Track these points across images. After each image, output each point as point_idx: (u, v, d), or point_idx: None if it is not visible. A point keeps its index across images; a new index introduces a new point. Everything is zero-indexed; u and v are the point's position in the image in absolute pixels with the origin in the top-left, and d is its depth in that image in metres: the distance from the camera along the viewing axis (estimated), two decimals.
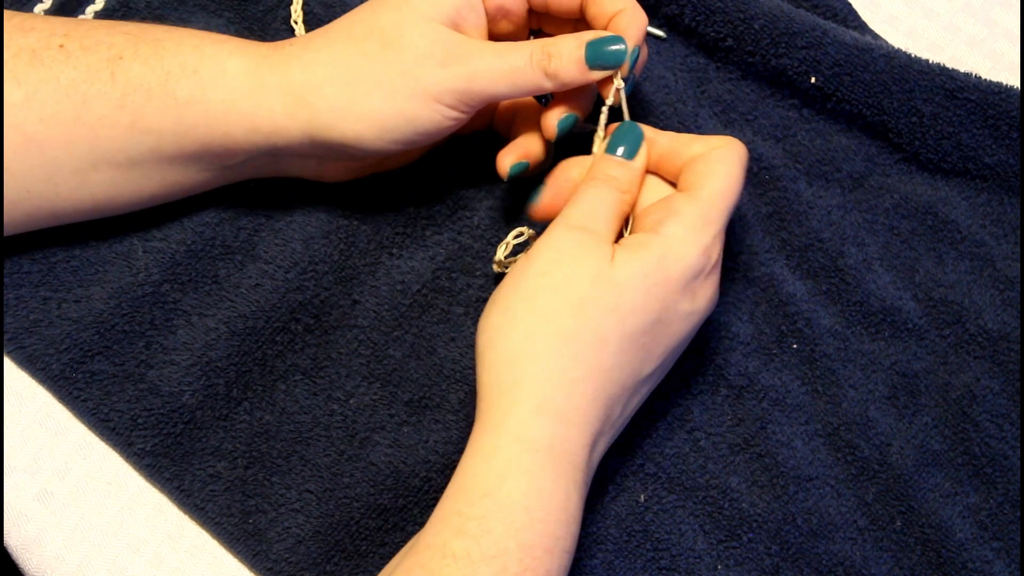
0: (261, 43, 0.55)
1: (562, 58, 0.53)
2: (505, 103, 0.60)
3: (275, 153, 0.55)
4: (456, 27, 0.54)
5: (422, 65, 0.52)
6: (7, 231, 0.56)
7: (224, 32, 0.62)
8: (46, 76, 0.52)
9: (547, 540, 0.47)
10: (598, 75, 0.54)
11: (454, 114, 0.53)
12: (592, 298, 0.49)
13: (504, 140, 0.58)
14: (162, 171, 0.55)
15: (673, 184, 0.55)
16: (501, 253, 0.58)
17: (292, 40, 0.55)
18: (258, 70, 0.53)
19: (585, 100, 0.56)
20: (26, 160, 0.53)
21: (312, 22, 0.64)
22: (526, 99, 0.59)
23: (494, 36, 0.57)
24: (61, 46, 0.53)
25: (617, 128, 0.54)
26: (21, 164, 0.53)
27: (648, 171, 0.55)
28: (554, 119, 0.55)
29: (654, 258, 0.50)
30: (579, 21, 0.57)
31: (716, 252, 0.52)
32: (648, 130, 0.55)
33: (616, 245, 0.51)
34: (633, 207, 0.54)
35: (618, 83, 0.54)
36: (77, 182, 0.54)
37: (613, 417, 0.51)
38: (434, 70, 0.52)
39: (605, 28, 0.54)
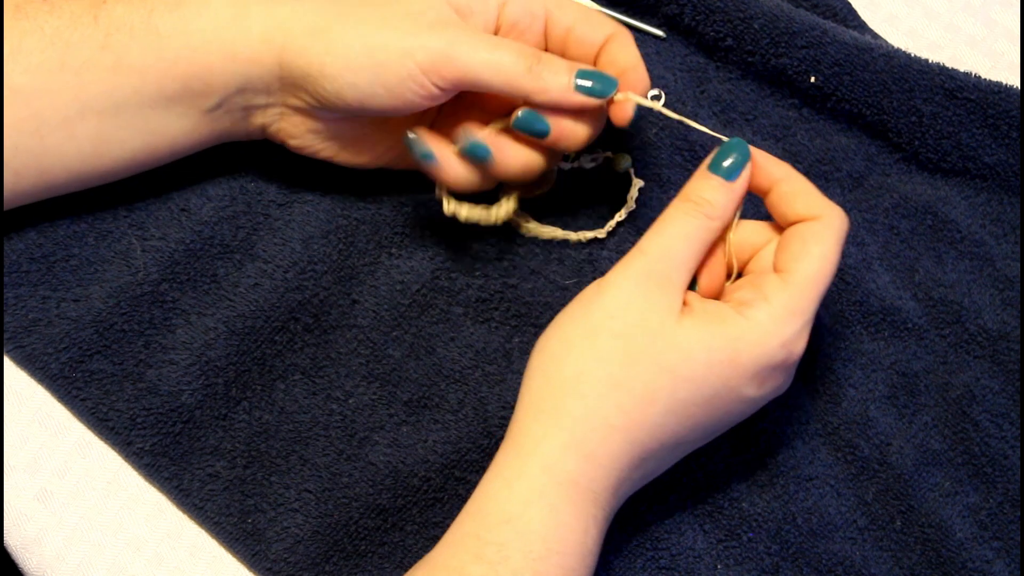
0: None
1: (553, 64, 0.52)
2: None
3: (247, 90, 0.54)
4: (461, 16, 0.53)
5: (409, 18, 0.51)
6: None
7: None
8: (30, 27, 0.53)
9: (562, 572, 0.47)
10: (579, 99, 0.52)
11: (423, 80, 0.51)
12: (649, 354, 0.48)
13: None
14: (145, 118, 0.55)
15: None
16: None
17: None
18: (243, 1, 0.53)
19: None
20: (13, 113, 0.53)
21: None
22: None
23: None
24: None
25: (725, 144, 0.52)
26: (8, 118, 0.53)
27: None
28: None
29: (727, 337, 0.49)
30: None
31: (800, 344, 0.50)
32: (756, 153, 0.52)
33: (693, 301, 0.50)
34: (727, 228, 0.52)
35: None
36: (64, 135, 0.54)
37: (646, 469, 0.50)
38: (417, 26, 0.51)
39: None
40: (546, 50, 0.56)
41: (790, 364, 0.50)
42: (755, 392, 0.50)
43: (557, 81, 0.52)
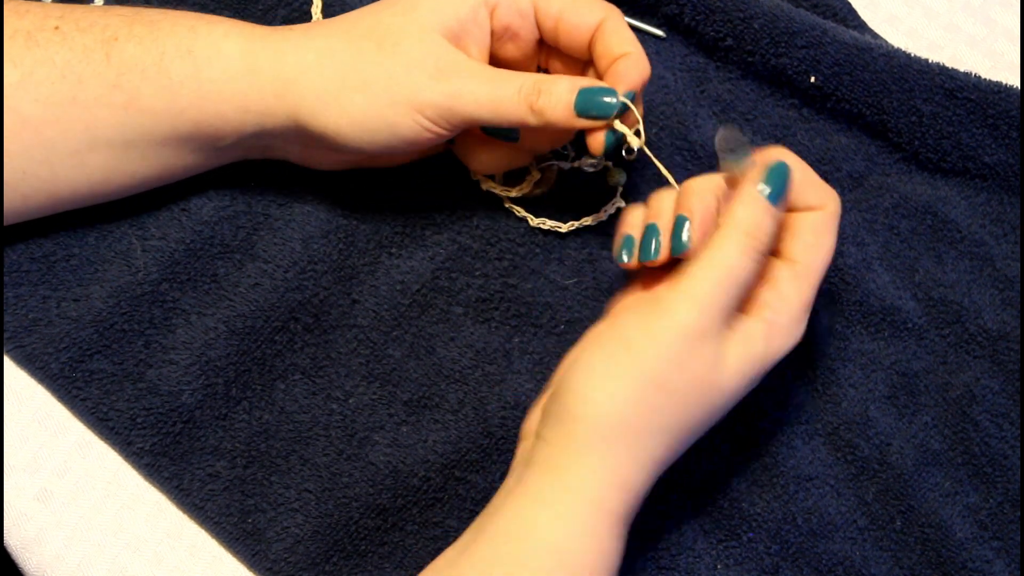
0: (256, 25, 0.55)
1: (551, 96, 0.52)
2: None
3: (263, 135, 0.55)
4: (457, 41, 0.54)
5: (410, 73, 0.52)
6: (5, 216, 0.56)
7: None
8: (41, 57, 0.53)
9: None
10: (583, 123, 0.53)
11: (435, 128, 0.53)
12: (697, 402, 0.49)
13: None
14: (157, 153, 0.55)
15: None
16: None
17: (292, 26, 0.55)
18: (252, 51, 0.53)
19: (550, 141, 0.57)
20: (22, 141, 0.53)
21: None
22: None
23: (498, 59, 0.56)
24: (56, 28, 0.53)
25: (770, 168, 0.50)
26: (17, 145, 0.53)
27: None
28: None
29: (759, 359, 0.49)
30: (587, 65, 0.56)
31: (800, 332, 0.51)
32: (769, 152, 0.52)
33: (730, 334, 0.49)
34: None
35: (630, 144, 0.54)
36: (74, 163, 0.54)
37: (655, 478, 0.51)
38: (421, 81, 0.52)
39: (607, 69, 0.54)
40: (540, 42, 0.56)
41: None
42: (757, 381, 0.51)
43: (557, 114, 0.52)
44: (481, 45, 0.55)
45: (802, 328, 0.51)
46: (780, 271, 0.51)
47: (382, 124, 0.53)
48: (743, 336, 0.49)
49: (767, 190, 0.49)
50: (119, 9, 0.55)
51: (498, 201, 0.61)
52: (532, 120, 0.53)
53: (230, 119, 0.54)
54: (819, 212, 0.51)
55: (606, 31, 0.54)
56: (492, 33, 0.55)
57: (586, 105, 0.52)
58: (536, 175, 0.60)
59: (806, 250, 0.51)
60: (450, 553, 0.49)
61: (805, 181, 0.51)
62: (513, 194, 0.60)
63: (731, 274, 0.48)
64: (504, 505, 0.49)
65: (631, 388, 0.47)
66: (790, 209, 0.52)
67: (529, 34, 0.56)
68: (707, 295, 0.47)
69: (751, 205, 0.49)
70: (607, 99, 0.52)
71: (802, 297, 0.50)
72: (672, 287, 0.48)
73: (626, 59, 0.53)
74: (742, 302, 0.50)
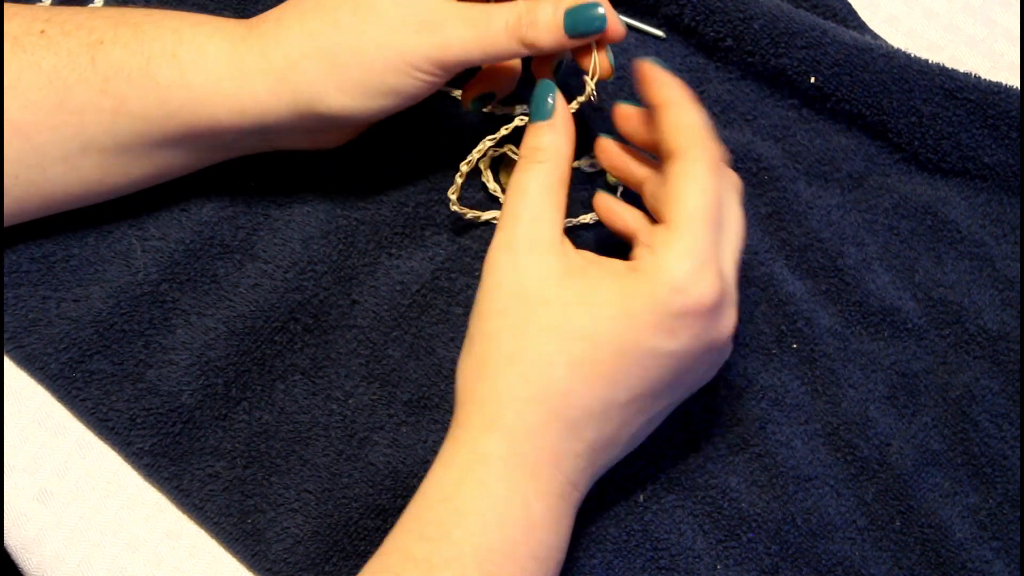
0: (239, 22, 0.55)
1: (539, 27, 0.52)
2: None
3: (267, 131, 0.55)
4: None
5: (396, 35, 0.52)
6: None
7: None
8: (28, 62, 0.53)
9: (506, 545, 0.48)
10: (577, 42, 0.53)
11: (432, 79, 0.53)
12: (533, 320, 0.49)
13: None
14: (151, 155, 0.55)
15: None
16: (466, 167, 0.58)
17: (265, 16, 0.54)
18: (236, 52, 0.53)
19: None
20: (13, 147, 0.53)
21: None
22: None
23: None
24: (42, 31, 0.53)
25: (533, 91, 0.53)
26: (9, 151, 0.53)
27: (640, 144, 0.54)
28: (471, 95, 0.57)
29: (612, 290, 0.48)
30: None
31: (701, 287, 0.47)
32: (646, 67, 0.52)
33: (581, 261, 0.50)
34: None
35: (591, 86, 0.53)
36: (66, 168, 0.54)
37: (585, 438, 0.49)
38: (409, 39, 0.52)
39: None
40: None
41: (702, 309, 0.48)
42: (671, 344, 0.48)
43: (550, 40, 0.52)
44: None
45: (678, 275, 0.47)
46: (653, 230, 0.49)
47: (383, 89, 0.53)
48: (595, 265, 0.50)
49: (533, 112, 0.53)
50: (105, 11, 0.55)
51: (498, 201, 0.61)
52: (525, 52, 0.53)
53: (224, 121, 0.54)
54: (679, 162, 0.49)
55: None
56: None
57: (577, 24, 0.52)
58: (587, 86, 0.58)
59: (670, 203, 0.49)
60: (388, 536, 0.50)
61: (667, 125, 0.50)
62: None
63: (518, 189, 0.51)
64: (430, 475, 0.50)
65: (471, 332, 0.50)
66: (666, 152, 0.51)
67: None
68: (506, 214, 0.51)
69: (525, 134, 0.53)
70: (596, 12, 0.52)
71: (673, 244, 0.47)
72: None
73: None
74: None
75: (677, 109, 0.50)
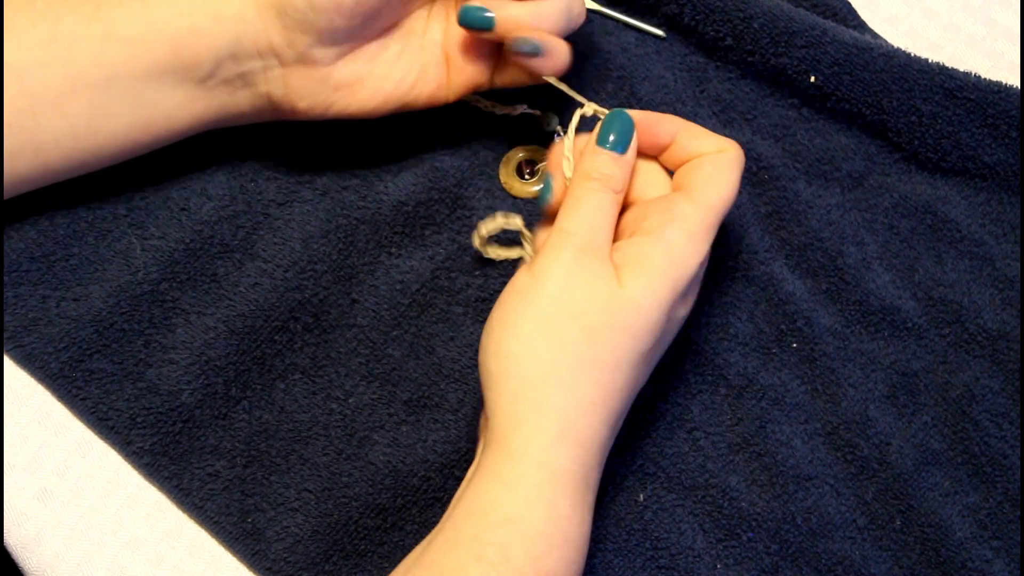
0: None
1: None
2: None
3: (238, 53, 0.55)
4: None
5: None
6: None
7: None
8: (22, 3, 0.53)
9: (563, 566, 0.47)
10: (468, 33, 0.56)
11: None
12: (609, 324, 0.49)
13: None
14: (137, 91, 0.55)
15: (666, 169, 0.56)
16: (484, 231, 0.58)
17: None
18: None
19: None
20: (6, 92, 0.53)
21: None
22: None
23: None
24: None
25: (607, 117, 0.54)
26: (2, 96, 0.53)
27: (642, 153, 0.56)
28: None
29: (660, 272, 0.50)
30: None
31: (705, 258, 0.53)
32: (649, 115, 0.55)
33: (618, 256, 0.51)
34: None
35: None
36: (56, 111, 0.54)
37: (615, 430, 0.51)
38: None
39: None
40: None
41: (700, 276, 0.53)
42: (684, 311, 0.53)
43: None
44: None
45: (702, 249, 0.52)
46: (678, 199, 0.52)
47: None
48: (634, 251, 0.51)
49: (609, 140, 0.54)
50: None
51: (498, 201, 0.61)
52: None
53: (204, 33, 0.54)
54: (719, 153, 0.54)
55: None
56: None
57: (466, 16, 0.55)
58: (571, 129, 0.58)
59: (704, 180, 0.53)
60: (420, 546, 0.49)
61: (699, 134, 0.54)
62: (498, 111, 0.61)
63: (591, 206, 0.52)
64: (467, 487, 0.49)
65: (532, 337, 0.49)
66: (684, 157, 0.54)
67: None
68: (577, 225, 0.51)
69: (593, 155, 0.54)
70: (486, 14, 0.55)
71: (699, 218, 0.52)
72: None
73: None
74: (635, 229, 0.53)
75: (697, 127, 0.55)
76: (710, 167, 0.53)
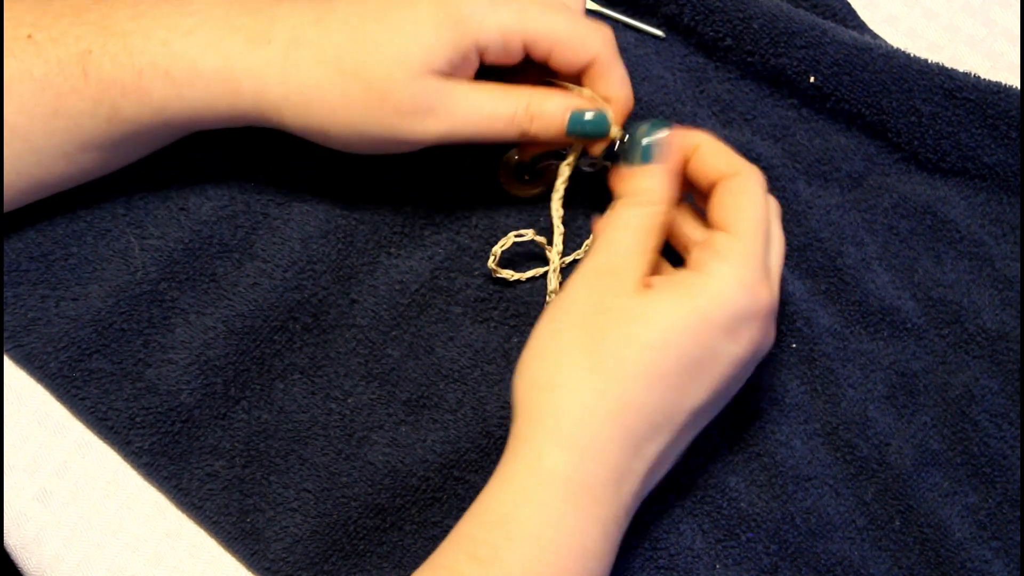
0: (235, 28, 0.53)
1: (544, 119, 0.54)
2: None
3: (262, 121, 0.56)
4: (447, 76, 0.53)
5: (403, 118, 0.53)
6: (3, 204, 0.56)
7: None
8: (19, 70, 0.52)
9: (557, 572, 0.47)
10: (573, 141, 0.55)
11: (431, 144, 0.54)
12: (614, 329, 0.49)
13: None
14: (148, 144, 0.57)
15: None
16: (495, 255, 0.58)
17: (269, 33, 0.53)
18: (233, 74, 0.53)
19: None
20: (12, 148, 0.53)
21: None
22: None
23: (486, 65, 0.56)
24: (29, 36, 0.53)
25: (633, 130, 0.54)
26: (8, 151, 0.53)
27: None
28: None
29: (691, 297, 0.49)
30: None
31: (764, 291, 0.50)
32: (689, 134, 0.54)
33: (655, 278, 0.51)
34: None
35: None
36: (66, 162, 0.55)
37: (646, 455, 0.49)
38: (414, 123, 0.53)
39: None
40: (526, 61, 0.55)
41: (762, 313, 0.50)
42: (736, 349, 0.49)
43: (548, 134, 0.54)
44: (469, 73, 0.54)
45: (747, 277, 0.50)
46: (715, 236, 0.51)
47: (378, 150, 0.55)
48: (668, 278, 0.50)
49: (634, 156, 0.53)
50: (89, 12, 0.54)
51: (497, 201, 0.61)
52: (519, 140, 0.55)
53: (218, 120, 0.55)
54: (735, 178, 0.52)
55: (594, 75, 0.54)
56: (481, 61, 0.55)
57: (576, 126, 0.54)
58: (564, 170, 0.58)
59: (734, 212, 0.51)
60: (437, 551, 0.49)
61: (716, 152, 0.53)
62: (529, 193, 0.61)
63: (617, 223, 0.52)
64: (485, 492, 0.49)
65: (543, 345, 0.50)
66: (707, 183, 0.53)
67: (516, 58, 0.55)
68: (600, 243, 0.51)
69: (624, 176, 0.53)
70: (598, 120, 0.54)
71: (741, 249, 0.50)
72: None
73: (616, 103, 0.55)
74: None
75: (715, 141, 0.54)
76: (730, 198, 0.52)
